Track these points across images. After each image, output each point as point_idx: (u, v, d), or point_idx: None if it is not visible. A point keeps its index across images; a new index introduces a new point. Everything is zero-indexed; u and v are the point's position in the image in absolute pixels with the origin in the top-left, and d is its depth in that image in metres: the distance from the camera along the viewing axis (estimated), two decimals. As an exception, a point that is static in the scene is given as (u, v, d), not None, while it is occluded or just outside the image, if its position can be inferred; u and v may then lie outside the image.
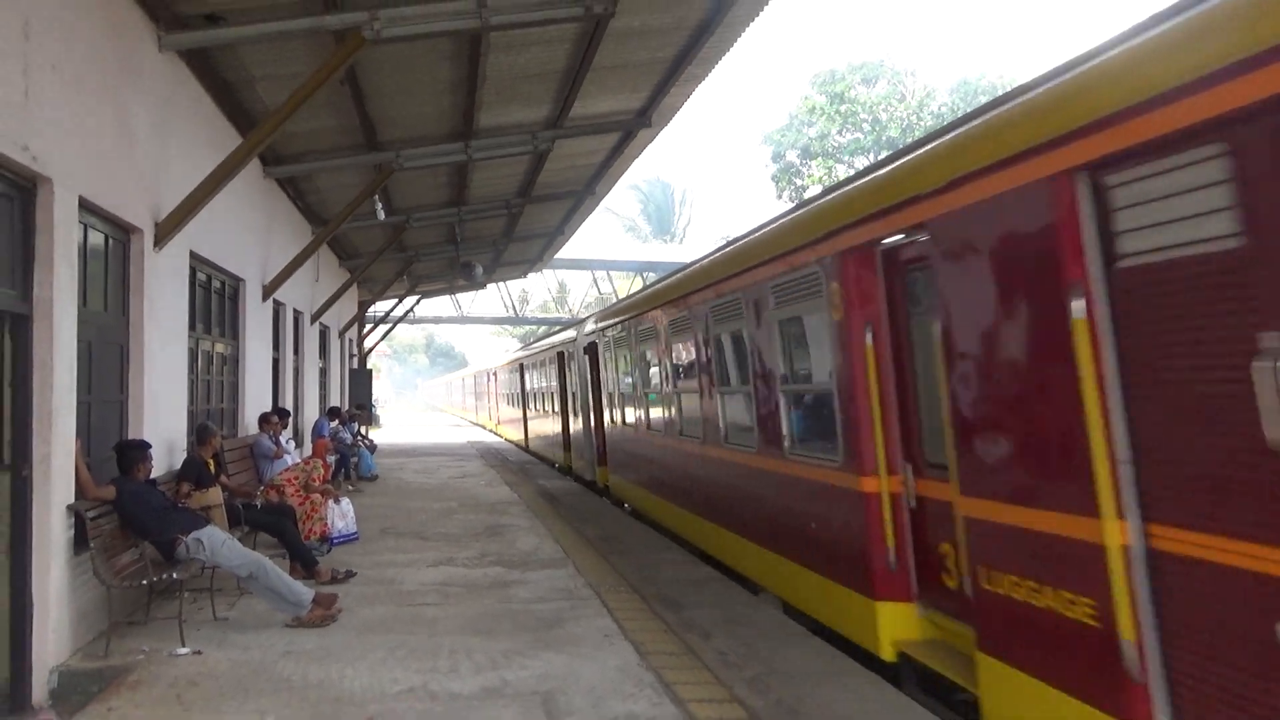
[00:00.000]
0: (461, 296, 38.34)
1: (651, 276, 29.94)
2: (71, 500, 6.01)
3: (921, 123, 35.51)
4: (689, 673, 5.52)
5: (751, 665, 5.66)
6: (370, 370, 29.13)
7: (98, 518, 6.26)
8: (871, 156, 35.83)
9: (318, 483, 10.33)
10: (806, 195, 35.38)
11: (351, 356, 26.62)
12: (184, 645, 6.13)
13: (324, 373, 19.97)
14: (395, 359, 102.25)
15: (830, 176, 36.60)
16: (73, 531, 6.02)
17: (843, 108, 37.18)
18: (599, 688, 5.24)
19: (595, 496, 14.66)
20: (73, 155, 6.11)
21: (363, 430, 20.10)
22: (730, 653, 5.93)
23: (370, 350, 32.45)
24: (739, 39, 10.24)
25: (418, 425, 45.31)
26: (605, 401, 14.64)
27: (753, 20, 9.76)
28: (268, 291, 12.68)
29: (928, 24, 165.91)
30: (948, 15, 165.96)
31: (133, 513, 6.57)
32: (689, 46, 10.45)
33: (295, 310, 15.51)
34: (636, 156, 15.50)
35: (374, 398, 25.70)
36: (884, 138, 35.96)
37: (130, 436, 7.30)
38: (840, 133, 37.83)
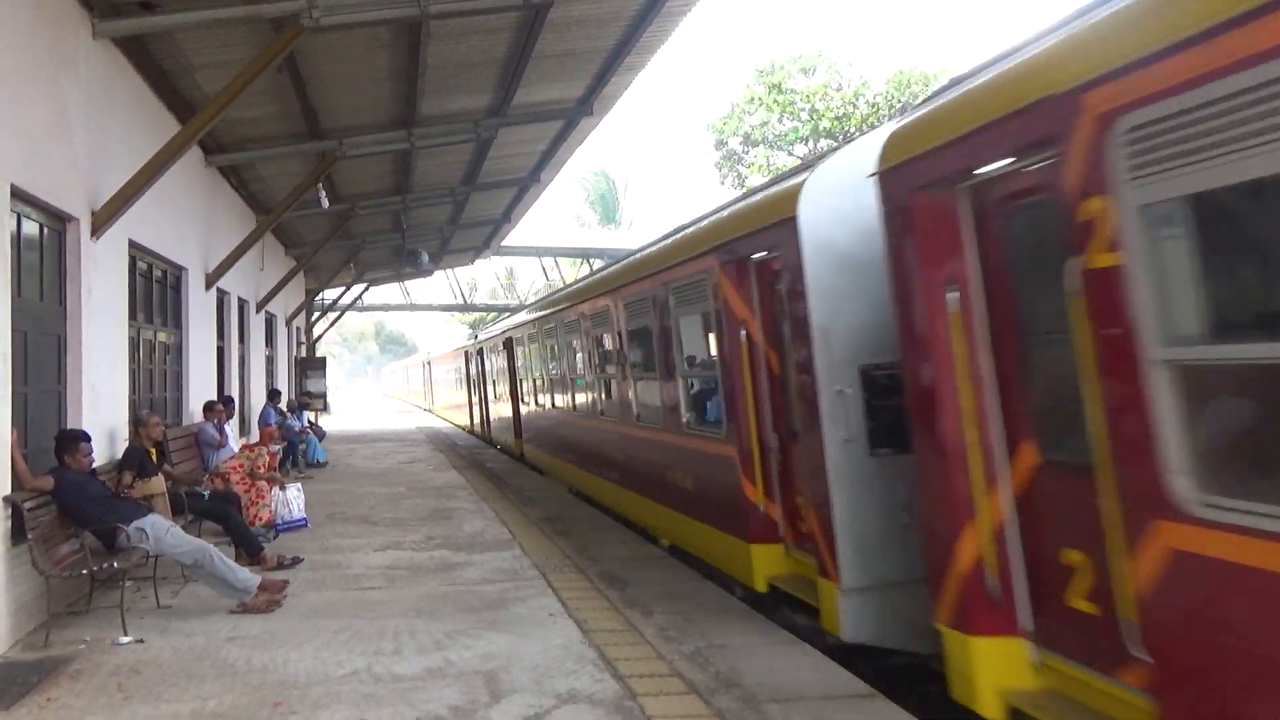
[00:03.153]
0: (410, 283, 38.01)
1: (597, 262, 30.31)
2: (8, 491, 5.99)
3: (857, 111, 35.77)
4: (630, 649, 5.64)
5: (691, 639, 5.81)
6: (324, 358, 28.75)
7: (35, 508, 6.22)
8: (810, 144, 36.09)
9: (263, 470, 10.30)
10: (749, 182, 35.61)
11: (300, 344, 26.33)
12: (126, 634, 6.07)
13: (271, 361, 19.79)
14: (345, 346, 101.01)
15: (769, 164, 36.87)
16: (9, 523, 6.00)
17: (780, 97, 37.35)
18: (542, 666, 5.33)
19: (487, 444, 23.14)
20: (2, 143, 6.04)
21: (311, 418, 19.99)
22: (670, 627, 6.08)
23: (319, 338, 32.03)
24: (677, 28, 10.43)
25: (369, 412, 44.92)
26: (484, 386, 23.55)
27: (689, 10, 9.92)
28: (211, 280, 12.54)
29: (865, 16, 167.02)
30: (884, 8, 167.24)
31: (72, 503, 6.53)
32: (628, 36, 10.56)
33: (240, 299, 15.35)
34: (580, 144, 15.63)
35: (325, 389, 25.26)
36: (820, 126, 36.19)
37: (69, 426, 7.24)
38: (780, 121, 38.01)
